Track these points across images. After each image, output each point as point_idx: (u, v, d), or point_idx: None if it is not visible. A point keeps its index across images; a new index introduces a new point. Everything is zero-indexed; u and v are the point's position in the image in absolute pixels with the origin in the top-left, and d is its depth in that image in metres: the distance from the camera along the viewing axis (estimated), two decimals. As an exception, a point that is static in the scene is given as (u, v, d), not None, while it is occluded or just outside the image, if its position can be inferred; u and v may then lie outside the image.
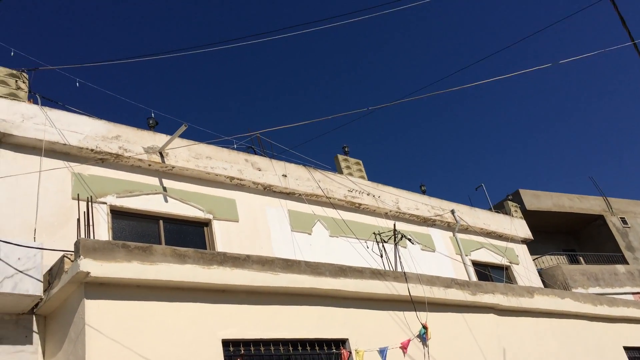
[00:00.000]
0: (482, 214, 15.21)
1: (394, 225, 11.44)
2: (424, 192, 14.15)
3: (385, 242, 11.42)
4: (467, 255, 13.69)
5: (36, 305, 6.23)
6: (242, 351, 6.37)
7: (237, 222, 9.90)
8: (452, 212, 14.10)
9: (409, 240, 11.86)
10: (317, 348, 7.08)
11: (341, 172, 12.76)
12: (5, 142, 7.94)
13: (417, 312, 8.42)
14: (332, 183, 11.77)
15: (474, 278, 13.17)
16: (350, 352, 7.33)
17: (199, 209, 9.50)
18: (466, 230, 14.32)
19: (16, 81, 8.69)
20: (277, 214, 10.54)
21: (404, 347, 7.95)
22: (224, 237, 9.50)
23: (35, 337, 6.22)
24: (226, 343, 6.28)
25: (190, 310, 6.23)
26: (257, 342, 6.55)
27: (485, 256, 14.34)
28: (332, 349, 7.25)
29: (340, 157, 13.27)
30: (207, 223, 9.56)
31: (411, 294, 8.36)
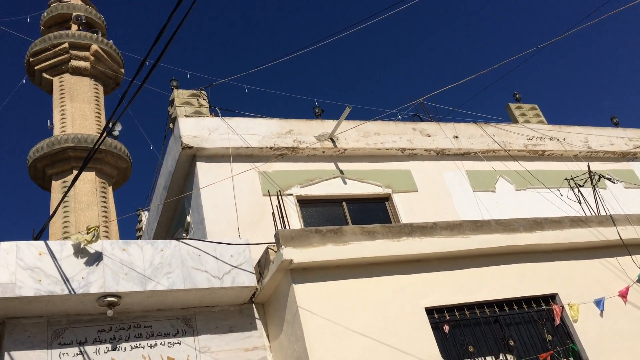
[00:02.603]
0: (694, 136, 13.13)
1: (588, 166, 10.42)
2: (616, 125, 12.65)
3: (580, 186, 10.48)
4: (683, 185, 11.96)
5: (253, 295, 6.93)
6: (447, 317, 6.38)
7: (416, 191, 9.88)
8: (656, 139, 12.40)
9: (609, 179, 10.73)
10: (525, 306, 6.80)
11: (516, 122, 11.98)
12: (199, 155, 8.90)
13: (633, 256, 7.61)
14: (509, 135, 11.12)
15: (698, 209, 11.46)
16: (563, 307, 6.91)
17: (377, 185, 9.66)
18: (677, 157, 12.50)
19: (198, 99, 9.69)
20: (456, 177, 10.29)
21: (622, 295, 7.26)
22: (406, 209, 9.56)
23: (258, 323, 6.94)
24: (430, 311, 6.35)
25: (389, 283, 6.40)
26: (460, 307, 6.51)
27: None
28: (542, 306, 6.91)
29: (513, 105, 12.45)
30: (387, 197, 9.70)
31: (622, 237, 7.58)
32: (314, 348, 5.73)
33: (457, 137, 10.63)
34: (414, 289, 6.43)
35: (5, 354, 5.91)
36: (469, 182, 10.28)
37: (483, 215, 9.76)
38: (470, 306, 6.55)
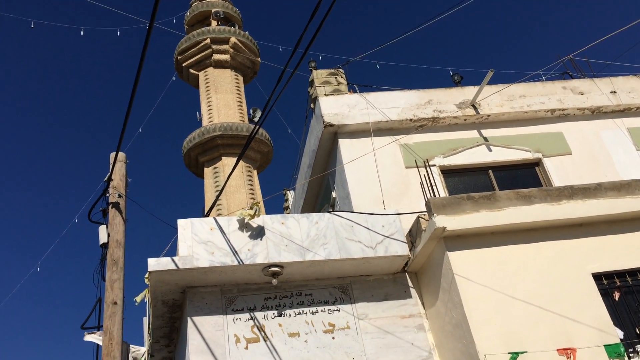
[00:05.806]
0: None
1: None
2: None
3: None
4: None
5: (406, 264, 7.02)
6: (618, 283, 5.96)
7: (570, 154, 9.25)
8: None
9: None
10: None
11: (685, 69, 10.65)
12: (340, 132, 9.12)
13: None
14: (677, 85, 9.93)
15: None
16: None
17: (526, 151, 9.21)
18: None
19: (336, 78, 9.91)
20: (615, 136, 9.45)
21: None
22: (559, 173, 9.00)
23: (413, 292, 7.03)
24: (598, 277, 5.98)
25: (550, 248, 6.13)
26: (632, 272, 6.05)
27: None
28: None
29: (679, 52, 11.08)
30: (537, 163, 9.21)
31: None
32: (473, 314, 5.70)
33: (614, 92, 9.74)
34: (578, 254, 6.09)
35: (188, 318, 6.63)
36: (631, 141, 9.40)
37: (650, 175, 8.88)
38: (644, 271, 6.06)
